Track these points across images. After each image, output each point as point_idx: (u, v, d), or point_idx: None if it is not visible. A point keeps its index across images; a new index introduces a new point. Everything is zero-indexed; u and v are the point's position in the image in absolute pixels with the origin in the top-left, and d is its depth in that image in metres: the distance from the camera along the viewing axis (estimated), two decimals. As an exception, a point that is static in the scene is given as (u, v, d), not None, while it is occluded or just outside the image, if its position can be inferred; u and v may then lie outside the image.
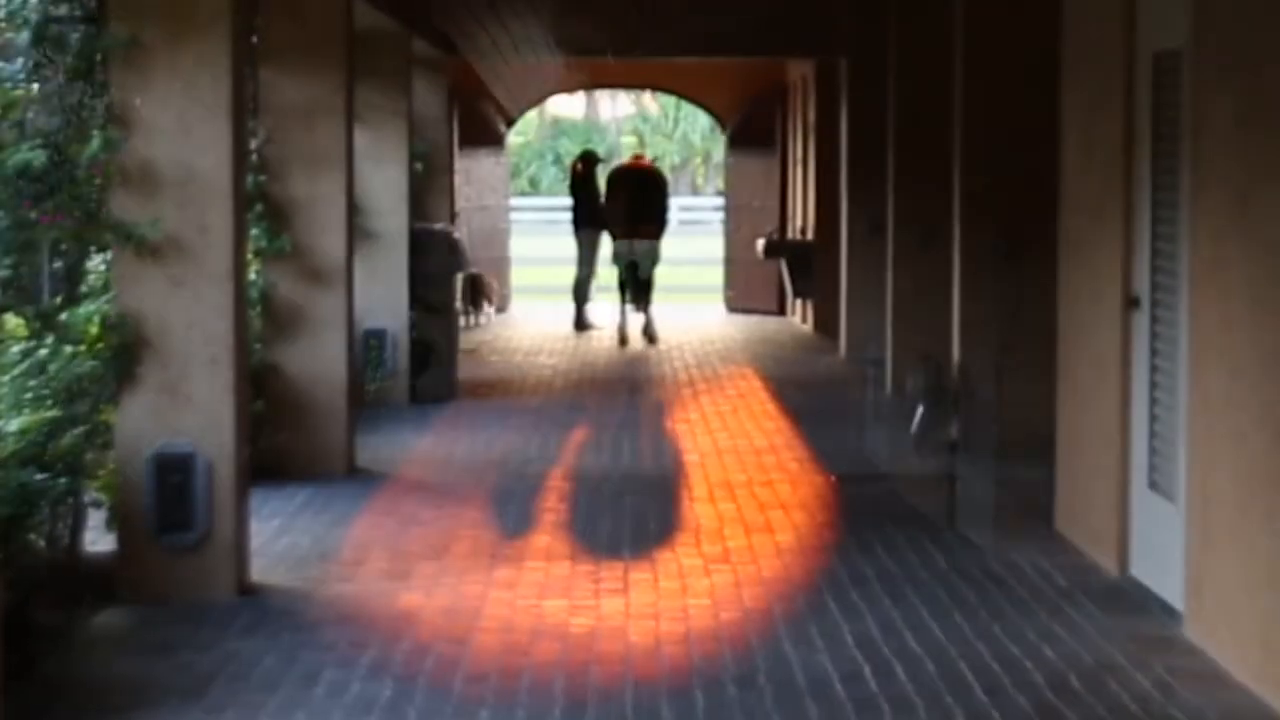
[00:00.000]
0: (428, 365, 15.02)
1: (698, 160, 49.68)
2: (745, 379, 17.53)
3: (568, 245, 23.36)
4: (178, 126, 8.36)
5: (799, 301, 23.17)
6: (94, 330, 8.18)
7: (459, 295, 17.62)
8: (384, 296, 14.62)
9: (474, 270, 23.25)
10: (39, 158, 8.02)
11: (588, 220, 22.27)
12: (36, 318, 8.41)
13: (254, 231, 11.31)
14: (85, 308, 8.37)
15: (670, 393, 16.68)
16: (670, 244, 22.09)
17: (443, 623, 8.12)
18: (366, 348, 14.43)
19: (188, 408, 8.35)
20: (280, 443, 11.34)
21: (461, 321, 22.43)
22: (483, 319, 23.47)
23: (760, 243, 23.27)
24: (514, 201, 29.95)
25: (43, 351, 8.00)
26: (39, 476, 7.43)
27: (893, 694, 6.95)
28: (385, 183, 14.75)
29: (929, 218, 14.87)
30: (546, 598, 8.59)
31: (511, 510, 10.89)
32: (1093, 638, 7.73)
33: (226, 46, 8.41)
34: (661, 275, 22.01)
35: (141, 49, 8.27)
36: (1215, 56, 7.53)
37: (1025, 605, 8.34)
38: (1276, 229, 6.76)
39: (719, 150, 37.62)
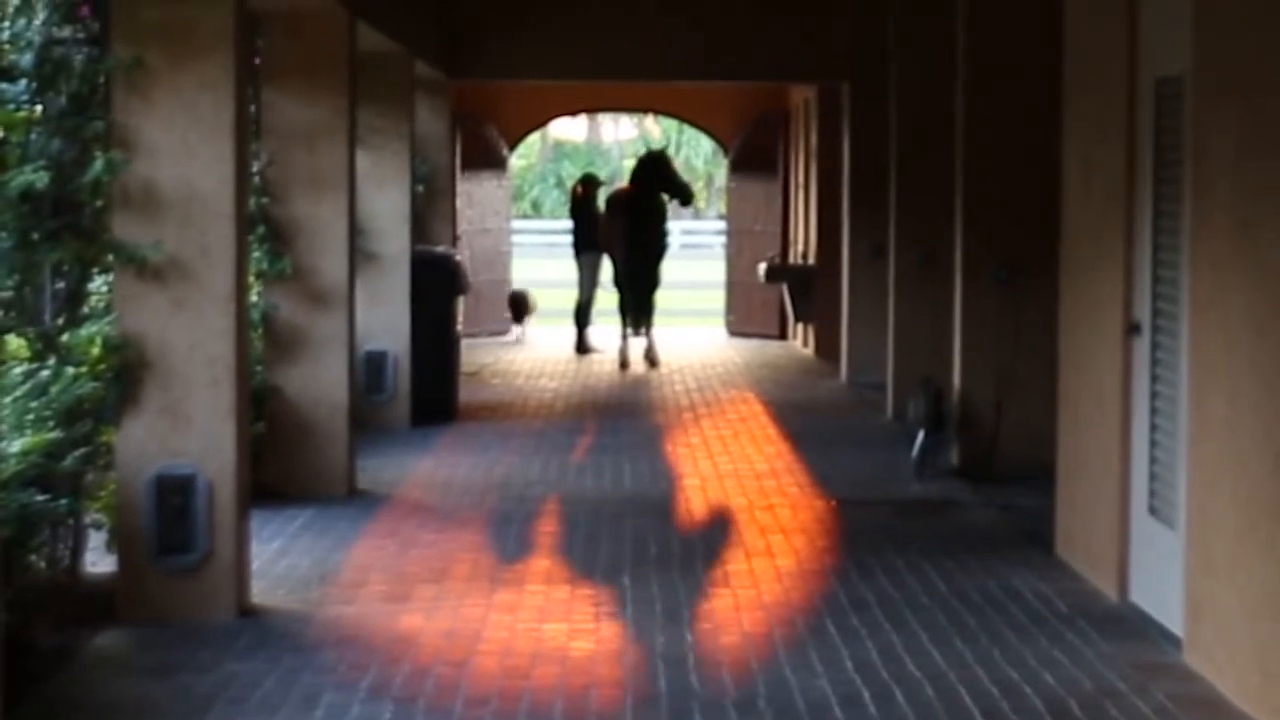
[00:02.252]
0: None
1: (699, 184, 49.77)
2: (746, 403, 17.54)
3: (569, 269, 23.40)
4: (180, 148, 8.38)
5: (800, 326, 23.18)
6: (96, 351, 8.19)
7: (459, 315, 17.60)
8: (385, 319, 14.64)
9: (517, 287, 23.88)
10: (42, 179, 8.03)
11: (589, 243, 22.31)
12: (38, 339, 8.41)
13: (256, 253, 11.33)
14: (87, 329, 8.38)
15: (671, 417, 16.67)
16: (671, 268, 22.09)
17: (443, 645, 8.11)
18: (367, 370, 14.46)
19: (189, 429, 8.36)
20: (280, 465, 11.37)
21: (509, 336, 23.77)
22: (526, 333, 24.12)
23: (762, 267, 23.27)
24: (516, 224, 29.97)
25: (44, 373, 8.01)
26: (40, 498, 7.44)
27: (892, 719, 6.95)
28: (387, 205, 14.78)
29: (931, 243, 14.89)
30: (546, 621, 8.59)
31: (512, 533, 10.89)
32: (1093, 663, 7.73)
33: (229, 69, 8.43)
34: (662, 299, 22.02)
35: (144, 71, 8.29)
36: (1217, 83, 7.54)
37: (1025, 630, 8.33)
38: (1277, 256, 6.76)
39: (721, 174, 37.69)
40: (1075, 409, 9.84)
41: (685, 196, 21.75)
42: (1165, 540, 8.23)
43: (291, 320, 11.77)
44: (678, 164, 25.88)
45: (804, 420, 16.14)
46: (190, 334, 8.36)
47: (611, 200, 21.89)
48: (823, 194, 21.31)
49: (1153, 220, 8.53)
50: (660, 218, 21.26)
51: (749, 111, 25.05)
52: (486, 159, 24.49)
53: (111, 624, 8.28)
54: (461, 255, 18.86)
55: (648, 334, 21.11)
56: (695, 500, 12.22)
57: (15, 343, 8.38)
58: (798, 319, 22.97)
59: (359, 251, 13.13)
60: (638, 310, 21.07)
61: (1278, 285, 6.73)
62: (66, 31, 8.61)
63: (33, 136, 8.35)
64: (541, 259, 32.81)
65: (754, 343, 23.96)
